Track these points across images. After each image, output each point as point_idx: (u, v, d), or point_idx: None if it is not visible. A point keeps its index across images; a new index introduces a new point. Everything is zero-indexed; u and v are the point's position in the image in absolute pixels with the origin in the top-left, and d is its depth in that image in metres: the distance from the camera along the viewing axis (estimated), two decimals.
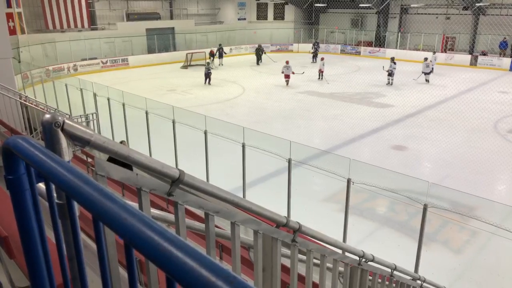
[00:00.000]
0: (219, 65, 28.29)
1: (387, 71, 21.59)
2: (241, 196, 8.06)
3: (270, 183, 10.07)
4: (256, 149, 8.36)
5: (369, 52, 32.47)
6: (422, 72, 22.42)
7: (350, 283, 3.27)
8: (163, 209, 5.32)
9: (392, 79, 21.70)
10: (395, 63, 21.61)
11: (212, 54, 28.69)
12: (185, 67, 28.29)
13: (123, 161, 1.28)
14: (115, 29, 29.32)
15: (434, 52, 27.16)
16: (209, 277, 0.55)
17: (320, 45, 33.41)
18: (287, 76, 21.60)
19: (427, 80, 22.24)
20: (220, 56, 28.62)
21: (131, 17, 31.12)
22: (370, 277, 3.62)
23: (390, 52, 29.98)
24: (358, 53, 33.53)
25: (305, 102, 18.38)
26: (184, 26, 32.67)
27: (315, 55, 30.14)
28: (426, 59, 23.14)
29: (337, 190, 8.78)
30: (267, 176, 10.36)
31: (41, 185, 1.06)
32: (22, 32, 22.59)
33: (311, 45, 32.23)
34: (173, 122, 9.99)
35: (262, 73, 25.80)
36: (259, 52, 29.25)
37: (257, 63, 29.42)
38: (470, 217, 7.11)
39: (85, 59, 26.40)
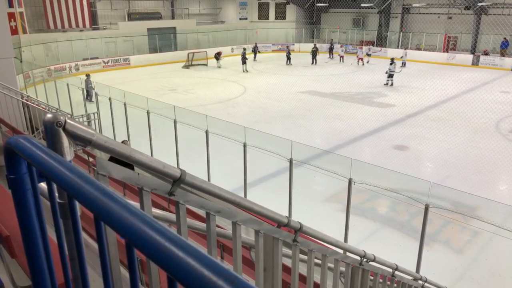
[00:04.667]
0: (244, 71, 26.08)
1: (386, 72, 21.60)
2: (242, 196, 8.07)
3: (271, 183, 10.07)
4: (258, 149, 8.36)
5: (371, 52, 32.42)
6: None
7: (352, 283, 3.26)
8: (164, 208, 5.33)
9: (392, 80, 21.60)
10: (395, 63, 21.58)
11: (218, 56, 28.56)
12: (186, 66, 28.33)
13: (124, 161, 1.28)
14: (116, 28, 29.37)
15: (405, 48, 29.42)
16: (210, 276, 0.55)
17: (323, 45, 33.74)
18: (361, 59, 28.67)
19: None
20: (244, 62, 26.12)
21: (132, 16, 31.15)
22: (372, 277, 3.62)
23: (391, 52, 29.99)
24: None
25: (306, 101, 18.36)
26: (185, 26, 32.70)
27: (330, 52, 32.21)
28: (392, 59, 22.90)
29: (339, 190, 8.79)
30: (268, 176, 10.36)
31: (43, 185, 1.06)
32: (24, 31, 22.63)
33: (313, 44, 32.32)
34: (175, 121, 9.99)
35: (263, 73, 25.81)
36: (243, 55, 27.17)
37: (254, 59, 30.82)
38: (472, 217, 7.10)
39: (87, 59, 26.45)
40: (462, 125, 14.36)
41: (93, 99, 16.11)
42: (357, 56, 29.49)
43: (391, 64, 21.51)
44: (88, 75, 18.20)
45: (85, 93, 16.47)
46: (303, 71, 27.06)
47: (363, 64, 28.97)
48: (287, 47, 31.71)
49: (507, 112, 16.35)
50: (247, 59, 26.52)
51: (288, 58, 29.53)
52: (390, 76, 21.47)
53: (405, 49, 29.22)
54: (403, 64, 26.86)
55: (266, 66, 28.43)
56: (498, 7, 27.28)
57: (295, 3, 36.36)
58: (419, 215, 6.77)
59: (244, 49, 27.33)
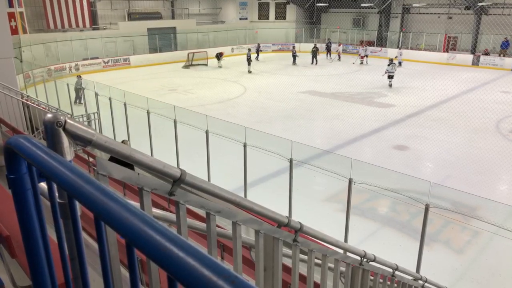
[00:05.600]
0: (249, 71, 25.85)
1: (386, 72, 21.39)
2: (243, 196, 8.05)
3: (271, 183, 10.07)
4: (258, 149, 8.36)
5: (371, 52, 32.43)
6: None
7: (352, 283, 3.27)
8: (164, 208, 5.33)
9: (391, 81, 21.38)
10: (394, 64, 21.34)
11: (219, 56, 28.54)
12: (186, 66, 28.33)
13: (124, 161, 1.28)
14: (116, 28, 29.37)
15: (400, 48, 29.97)
16: (210, 276, 0.55)
17: (323, 44, 33.72)
18: (362, 57, 29.46)
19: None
20: (249, 63, 25.93)
21: (132, 16, 31.15)
22: (372, 277, 3.62)
23: (391, 52, 29.98)
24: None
25: (307, 102, 18.36)
26: (185, 26, 32.70)
27: (328, 52, 32.19)
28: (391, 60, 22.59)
29: (339, 190, 8.78)
30: (269, 176, 10.36)
31: (43, 185, 1.06)
32: (24, 31, 22.62)
33: (314, 44, 32.27)
34: (175, 121, 9.99)
35: (264, 73, 25.81)
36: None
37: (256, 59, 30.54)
38: (472, 217, 7.09)
39: (87, 59, 26.45)
40: (462, 125, 14.36)
41: (82, 101, 15.81)
42: (359, 55, 29.70)
43: (388, 65, 21.35)
44: (79, 76, 17.42)
45: (75, 95, 16.21)
46: (303, 71, 27.06)
47: (366, 63, 29.18)
48: (293, 47, 31.51)
49: (507, 112, 16.34)
50: (251, 60, 26.52)
51: (294, 58, 29.49)
52: (391, 77, 21.33)
53: (400, 49, 29.31)
54: (399, 64, 26.80)
55: (266, 66, 28.42)
56: (498, 7, 27.28)
57: (295, 3, 36.36)
58: (419, 215, 6.77)
59: (249, 49, 27.32)
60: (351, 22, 35.69)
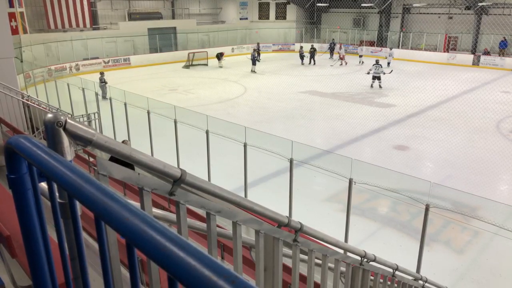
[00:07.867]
0: (252, 71, 25.85)
1: (368, 72, 20.97)
2: (243, 195, 8.06)
3: (271, 183, 10.07)
4: (258, 149, 8.36)
5: (371, 52, 32.42)
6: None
7: (352, 283, 3.27)
8: (165, 208, 5.33)
9: (379, 82, 20.88)
10: (379, 65, 20.79)
11: (220, 56, 28.55)
12: (187, 66, 28.34)
13: (125, 161, 1.28)
14: (117, 28, 29.38)
15: (391, 48, 29.15)
16: (210, 276, 0.55)
17: (323, 45, 33.72)
18: (342, 58, 28.67)
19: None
20: (254, 63, 25.78)
21: (133, 16, 31.17)
22: (372, 277, 3.62)
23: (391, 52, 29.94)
24: None
25: (307, 102, 18.36)
26: (186, 26, 32.71)
27: (331, 52, 31.97)
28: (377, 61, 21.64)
29: (339, 190, 8.79)
30: (269, 176, 10.36)
31: (43, 184, 1.06)
32: (25, 31, 22.62)
33: (312, 45, 32.18)
34: (175, 121, 9.99)
35: (264, 73, 25.80)
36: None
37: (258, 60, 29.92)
38: (472, 217, 7.09)
39: (87, 59, 26.46)
40: (463, 125, 14.35)
41: (107, 96, 15.86)
42: (339, 56, 28.97)
43: (373, 65, 20.86)
44: (102, 73, 18.60)
45: (100, 92, 16.65)
46: (303, 71, 27.06)
47: (361, 63, 28.87)
48: (301, 47, 31.31)
49: (507, 112, 16.33)
50: (259, 60, 26.60)
51: (302, 58, 29.41)
52: (377, 78, 20.77)
53: (390, 49, 28.69)
54: (388, 65, 26.17)
55: (266, 66, 28.40)
56: (498, 7, 27.26)
57: (296, 3, 36.35)
58: (419, 215, 6.77)
59: (254, 50, 27.43)
60: (351, 22, 35.68)
